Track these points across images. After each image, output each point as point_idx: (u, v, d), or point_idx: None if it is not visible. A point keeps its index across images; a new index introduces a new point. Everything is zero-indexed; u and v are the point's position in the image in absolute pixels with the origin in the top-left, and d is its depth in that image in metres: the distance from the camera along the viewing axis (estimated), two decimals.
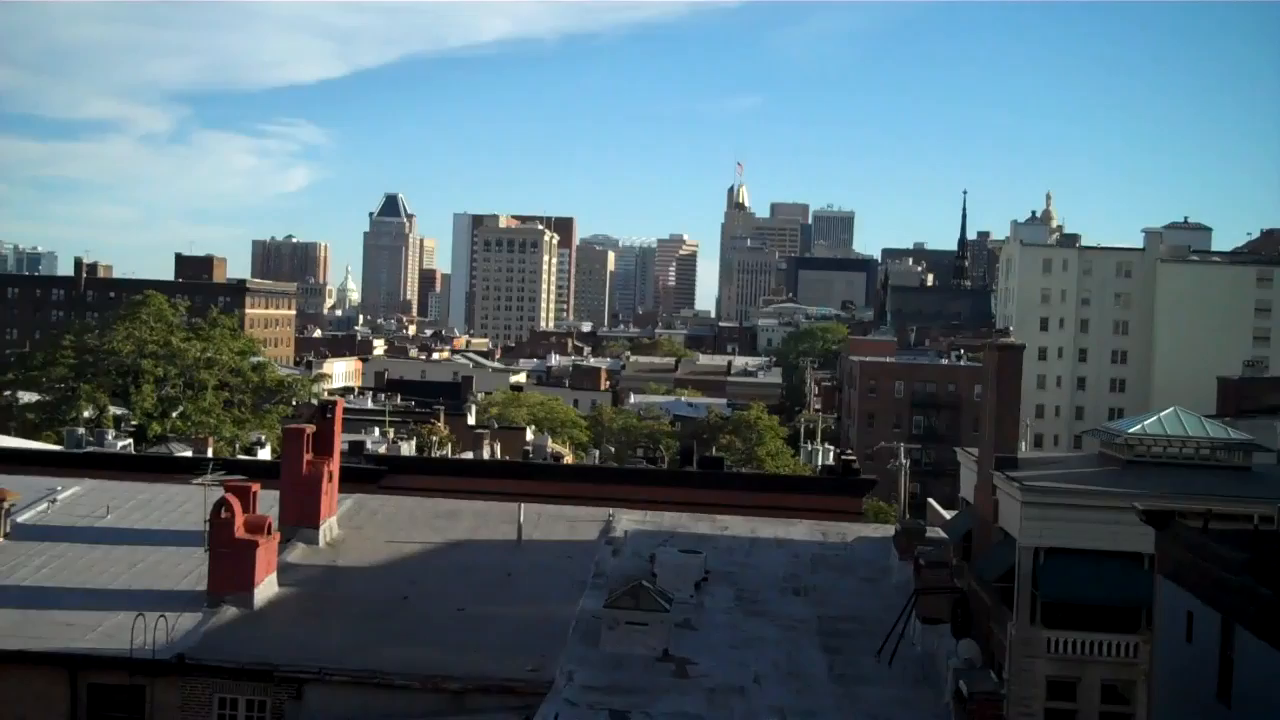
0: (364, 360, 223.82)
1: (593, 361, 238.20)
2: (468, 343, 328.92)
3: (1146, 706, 38.48)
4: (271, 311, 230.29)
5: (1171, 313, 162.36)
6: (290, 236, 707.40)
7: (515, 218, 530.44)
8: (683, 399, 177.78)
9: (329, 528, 39.36)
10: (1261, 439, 58.69)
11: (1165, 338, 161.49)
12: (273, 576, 34.63)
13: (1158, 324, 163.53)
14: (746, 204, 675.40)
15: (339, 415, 41.28)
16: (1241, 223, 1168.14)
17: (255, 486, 35.67)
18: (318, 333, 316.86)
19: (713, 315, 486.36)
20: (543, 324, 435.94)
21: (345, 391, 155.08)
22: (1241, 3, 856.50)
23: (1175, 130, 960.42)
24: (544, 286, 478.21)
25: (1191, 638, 32.53)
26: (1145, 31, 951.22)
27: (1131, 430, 53.20)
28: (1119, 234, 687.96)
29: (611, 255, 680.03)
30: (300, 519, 38.35)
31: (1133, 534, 39.93)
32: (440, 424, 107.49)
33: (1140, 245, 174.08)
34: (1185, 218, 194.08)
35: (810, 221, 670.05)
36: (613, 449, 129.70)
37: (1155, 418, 53.92)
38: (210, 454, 66.65)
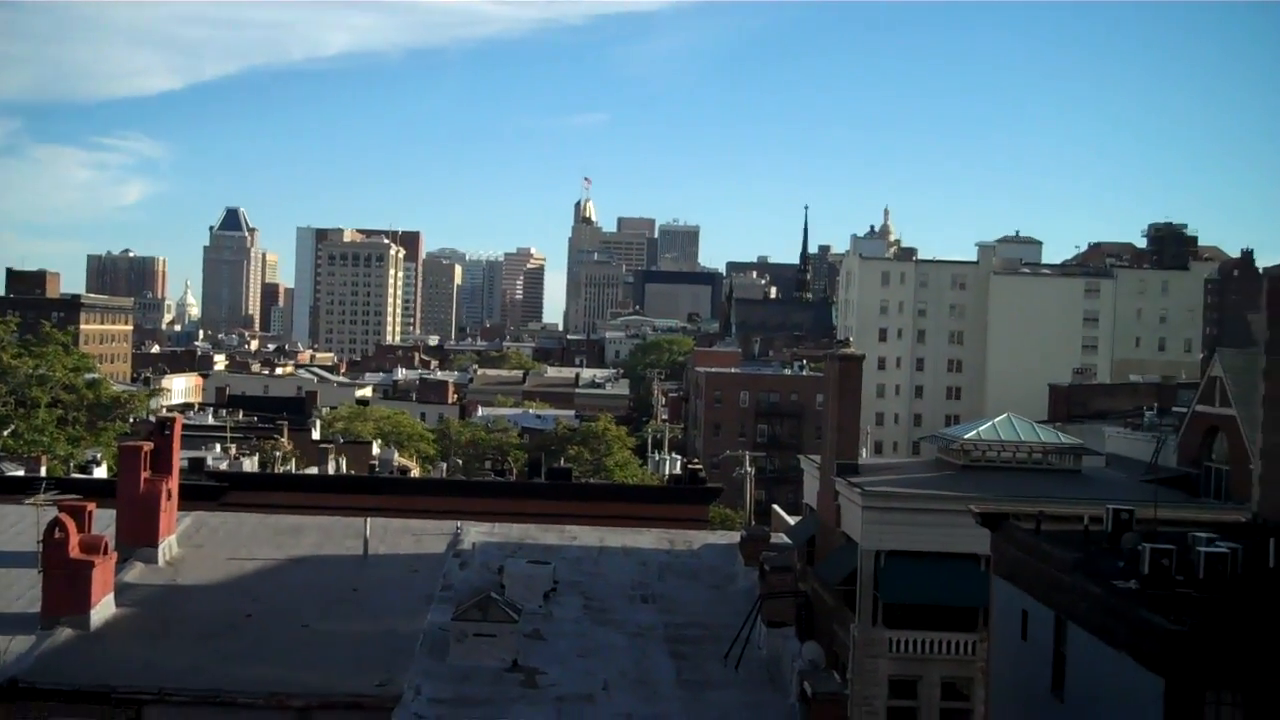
0: (204, 376, 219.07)
1: (440, 375, 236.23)
2: (312, 357, 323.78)
3: (984, 702, 39.60)
4: (108, 327, 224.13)
5: (1004, 323, 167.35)
6: (127, 251, 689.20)
7: (360, 231, 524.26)
8: (531, 411, 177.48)
9: (168, 546, 38.50)
10: (1090, 443, 60.95)
11: (998, 347, 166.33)
12: (110, 597, 33.76)
13: (991, 334, 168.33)
14: (593, 218, 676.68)
15: (178, 432, 40.40)
16: (1070, 236, 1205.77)
17: (91, 506, 34.72)
18: (156, 348, 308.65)
19: (560, 328, 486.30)
20: (389, 338, 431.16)
21: (185, 408, 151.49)
22: (1068, 4, 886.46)
23: (1007, 145, 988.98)
24: (390, 300, 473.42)
25: (1026, 635, 33.61)
26: (973, 49, 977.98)
27: (967, 436, 54.85)
28: (954, 247, 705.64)
29: (458, 269, 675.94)
30: (138, 538, 37.44)
31: (969, 536, 41.14)
32: (284, 439, 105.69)
33: (974, 258, 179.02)
34: (1017, 232, 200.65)
35: (656, 235, 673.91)
36: (460, 462, 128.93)
37: (989, 424, 55.69)
38: (44, 473, 64.68)
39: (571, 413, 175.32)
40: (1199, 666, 24.92)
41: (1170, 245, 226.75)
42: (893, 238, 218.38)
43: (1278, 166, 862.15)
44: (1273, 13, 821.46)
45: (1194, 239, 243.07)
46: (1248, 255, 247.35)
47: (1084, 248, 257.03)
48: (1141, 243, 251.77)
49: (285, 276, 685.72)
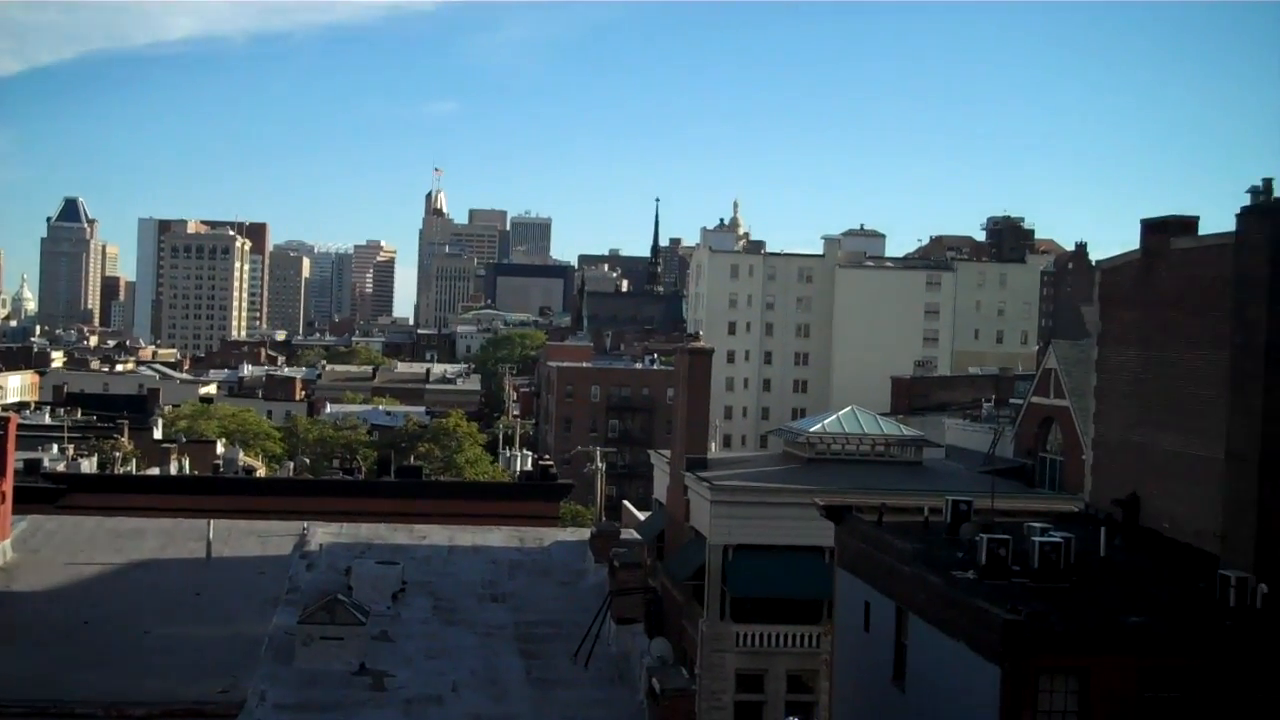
0: (41, 373, 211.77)
1: (287, 371, 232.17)
2: (154, 353, 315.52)
3: (828, 694, 40.36)
4: None
5: (849, 316, 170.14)
6: None
7: (205, 223, 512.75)
8: (380, 408, 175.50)
9: (2, 551, 37.45)
10: (931, 435, 62.51)
11: (843, 339, 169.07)
12: None
13: (836, 327, 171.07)
14: (445, 210, 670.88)
15: (12, 431, 39.27)
16: (913, 229, 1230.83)
17: None
18: None
19: (411, 322, 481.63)
20: (234, 333, 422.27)
21: (20, 406, 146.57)
22: (906, 5, 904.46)
23: (852, 138, 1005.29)
24: (235, 294, 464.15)
25: (869, 626, 34.35)
26: (818, 43, 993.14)
27: (812, 429, 55.79)
28: (802, 240, 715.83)
29: (307, 262, 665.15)
30: None
31: (814, 529, 41.88)
32: (124, 439, 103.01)
33: (820, 251, 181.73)
34: (861, 225, 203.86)
35: (508, 228, 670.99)
36: (308, 461, 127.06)
37: (834, 416, 56.73)
38: None
39: (422, 409, 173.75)
40: (1034, 654, 25.73)
41: (1008, 238, 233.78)
42: (742, 230, 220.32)
43: (1112, 160, 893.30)
44: (1102, 11, 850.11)
45: (1031, 232, 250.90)
46: (1082, 248, 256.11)
47: (926, 241, 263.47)
48: (981, 236, 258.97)
49: (126, 270, 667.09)
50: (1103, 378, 39.50)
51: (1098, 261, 43.58)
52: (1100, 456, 39.45)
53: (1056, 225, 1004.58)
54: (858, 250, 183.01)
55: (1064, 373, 56.10)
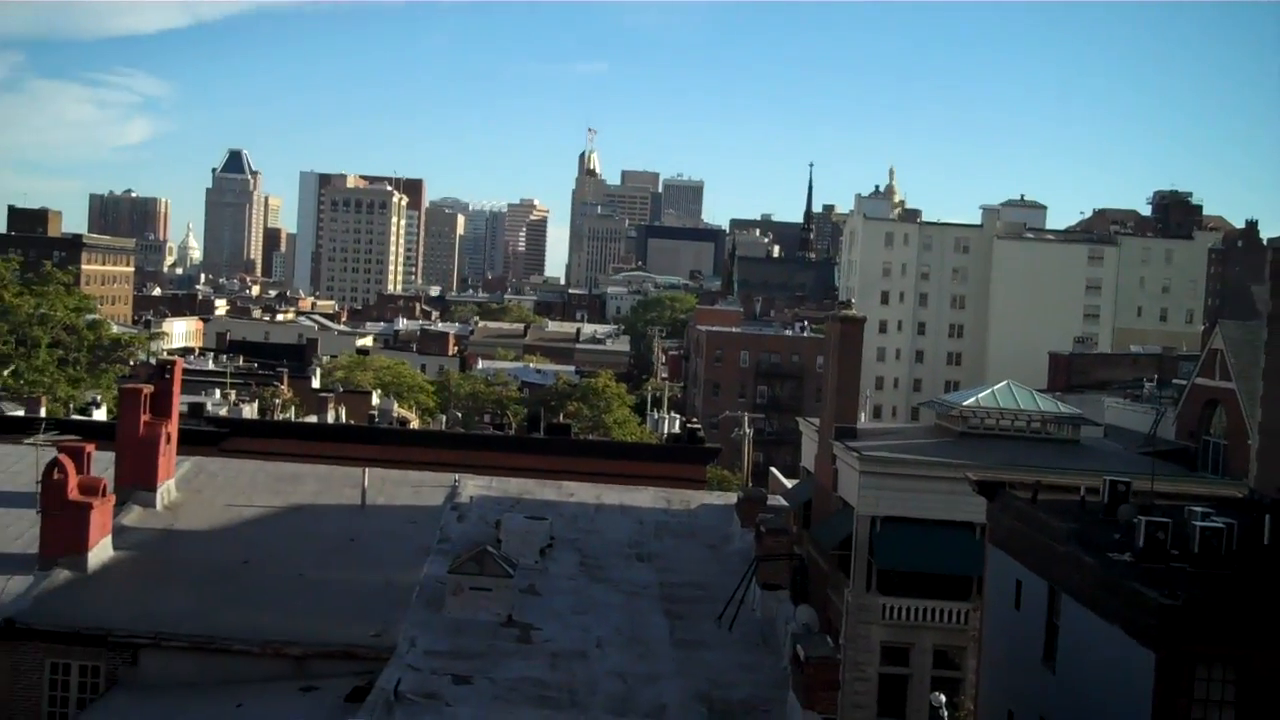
0: (205, 320, 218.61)
1: (441, 326, 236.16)
2: (313, 304, 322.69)
3: (976, 671, 39.77)
4: (109, 268, 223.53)
5: (1006, 288, 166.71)
6: (129, 191, 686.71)
7: (363, 178, 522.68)
8: (531, 365, 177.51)
9: (166, 490, 38.57)
10: (1089, 413, 61.05)
11: (1000, 313, 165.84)
12: (107, 539, 33.86)
13: (993, 299, 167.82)
14: (598, 170, 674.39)
15: (178, 375, 40.43)
16: (1075, 201, 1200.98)
17: (90, 447, 34.75)
18: (157, 291, 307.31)
19: (562, 282, 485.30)
20: (390, 287, 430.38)
21: (185, 352, 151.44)
22: None
23: (1014, 107, 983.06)
24: (392, 249, 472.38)
25: (1020, 605, 33.73)
26: (979, 9, 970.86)
27: (966, 403, 54.90)
28: (958, 210, 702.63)
29: (461, 219, 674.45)
30: (136, 481, 37.50)
31: (965, 504, 41.27)
32: (284, 387, 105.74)
33: (978, 221, 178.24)
34: (1022, 196, 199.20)
35: (660, 190, 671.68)
36: (459, 414, 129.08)
37: (989, 391, 55.75)
38: (43, 413, 64.80)
39: (571, 368, 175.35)
40: (1191, 641, 25.02)
41: (1175, 214, 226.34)
42: (897, 198, 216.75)
43: None
44: None
45: (1199, 208, 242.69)
46: (1252, 226, 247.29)
47: (1088, 214, 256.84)
48: (1146, 210, 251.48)
49: (288, 221, 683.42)
50: (1272, 360, 38.15)
51: (1269, 240, 42.00)
52: (1267, 442, 38.19)
53: (1226, 202, 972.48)
54: (1017, 221, 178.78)
55: (1231, 354, 54.23)
